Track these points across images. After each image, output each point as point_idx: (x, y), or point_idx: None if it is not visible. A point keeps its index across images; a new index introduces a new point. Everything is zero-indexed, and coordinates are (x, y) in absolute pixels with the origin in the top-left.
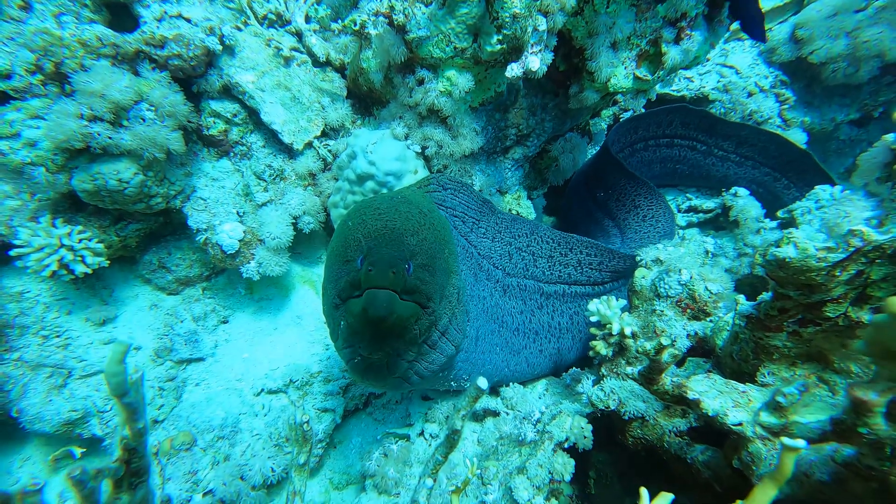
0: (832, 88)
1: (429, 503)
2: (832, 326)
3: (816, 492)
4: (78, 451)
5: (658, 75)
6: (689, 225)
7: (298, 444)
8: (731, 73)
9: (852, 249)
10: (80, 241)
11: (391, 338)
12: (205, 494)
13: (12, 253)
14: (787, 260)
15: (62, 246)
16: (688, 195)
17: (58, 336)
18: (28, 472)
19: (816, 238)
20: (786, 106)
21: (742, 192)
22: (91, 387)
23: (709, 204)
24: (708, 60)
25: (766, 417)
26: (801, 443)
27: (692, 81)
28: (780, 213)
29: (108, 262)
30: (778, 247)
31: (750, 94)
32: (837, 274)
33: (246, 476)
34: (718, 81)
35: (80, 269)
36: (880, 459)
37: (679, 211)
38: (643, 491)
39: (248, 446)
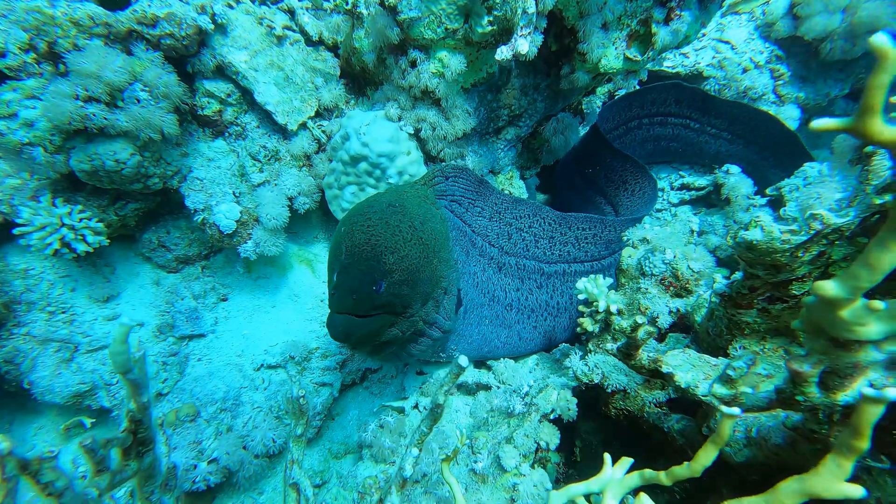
0: (829, 63)
1: (414, 470)
2: (798, 303)
3: (773, 454)
4: (88, 421)
5: (648, 55)
6: (682, 202)
7: (296, 416)
8: (726, 49)
9: (813, 232)
10: (81, 220)
11: (366, 341)
12: (210, 462)
13: (15, 231)
14: (755, 242)
15: (63, 225)
16: (681, 172)
17: (63, 312)
18: (42, 439)
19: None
20: (780, 82)
21: (734, 169)
22: (97, 361)
23: (701, 181)
24: (705, 35)
25: (718, 389)
26: (735, 410)
27: (687, 57)
28: (769, 191)
29: (109, 240)
30: (746, 230)
31: (745, 70)
32: (801, 255)
33: (248, 446)
34: (713, 57)
35: (82, 247)
36: (819, 423)
37: (672, 188)
38: (606, 456)
39: (250, 418)
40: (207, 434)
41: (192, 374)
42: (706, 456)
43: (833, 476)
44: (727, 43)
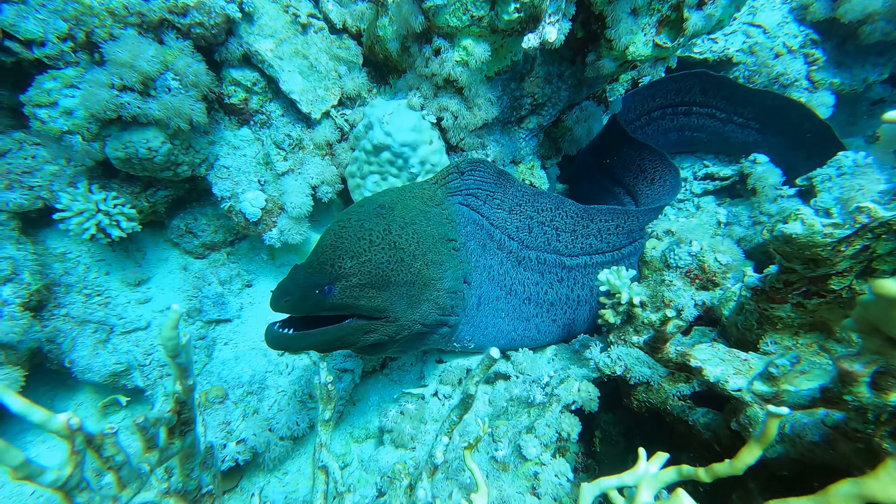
0: (867, 47)
1: (444, 457)
2: (836, 298)
3: (808, 451)
4: (123, 399)
5: (678, 42)
6: (705, 192)
7: (324, 401)
8: (758, 33)
9: (858, 226)
10: (115, 206)
11: (325, 349)
12: (238, 442)
13: (56, 217)
14: (794, 236)
15: (99, 211)
16: (705, 162)
17: (98, 294)
18: (81, 415)
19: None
20: (814, 67)
21: (762, 158)
22: (131, 342)
23: (726, 171)
24: (735, 19)
25: (759, 386)
26: (784, 410)
27: (716, 42)
28: (799, 181)
29: (140, 226)
30: (785, 223)
31: (777, 55)
32: (843, 249)
33: (274, 428)
34: (744, 42)
35: (116, 232)
36: (865, 423)
37: (695, 178)
38: (641, 451)
39: (275, 402)
40: (235, 416)
41: (219, 358)
42: (750, 455)
43: (893, 481)
44: (759, 27)
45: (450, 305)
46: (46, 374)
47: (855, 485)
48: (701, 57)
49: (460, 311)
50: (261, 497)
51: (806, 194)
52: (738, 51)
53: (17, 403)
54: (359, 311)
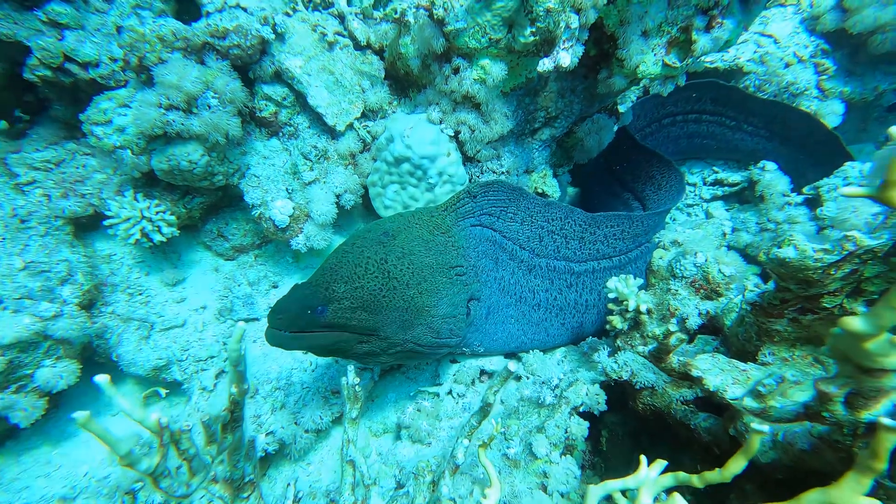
0: (878, 57)
1: (464, 457)
2: (829, 315)
3: (798, 458)
4: (163, 391)
5: (687, 62)
6: (714, 198)
7: (351, 401)
8: (769, 43)
9: (846, 252)
10: (157, 213)
11: (318, 353)
12: (267, 434)
13: (105, 223)
14: (787, 260)
15: (143, 217)
16: (714, 168)
17: (140, 294)
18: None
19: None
20: (825, 76)
21: (770, 165)
22: (169, 339)
23: (735, 177)
24: (747, 30)
25: (748, 402)
26: (765, 427)
27: (727, 52)
28: (806, 189)
29: (178, 231)
30: (779, 248)
31: (787, 65)
32: (833, 272)
33: (299, 421)
34: (755, 52)
35: (158, 237)
36: (843, 436)
37: (704, 184)
38: (642, 458)
39: (300, 397)
40: (265, 409)
41: (248, 355)
42: (736, 465)
43: (852, 490)
44: (770, 37)
45: (446, 329)
46: (95, 366)
47: (822, 493)
48: (712, 66)
49: (461, 332)
50: (295, 487)
51: (813, 203)
52: (748, 60)
53: (124, 404)
54: (350, 330)
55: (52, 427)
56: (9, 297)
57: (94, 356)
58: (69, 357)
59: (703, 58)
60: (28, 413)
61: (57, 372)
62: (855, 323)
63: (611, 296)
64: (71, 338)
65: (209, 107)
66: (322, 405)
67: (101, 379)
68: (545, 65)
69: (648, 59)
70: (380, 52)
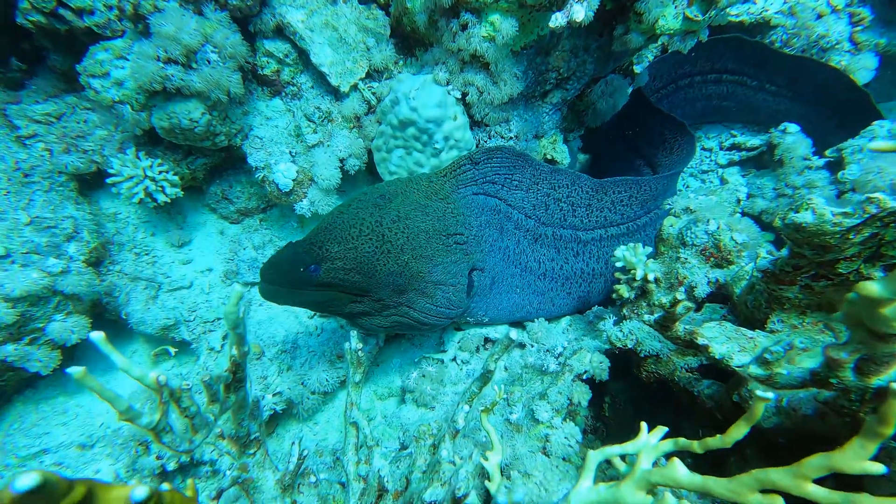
0: None
1: (465, 421)
2: (843, 281)
3: (801, 423)
4: (172, 350)
5: (710, 15)
6: (731, 163)
7: (354, 365)
8: None
9: (868, 215)
10: (160, 173)
11: (312, 309)
12: (274, 395)
13: (108, 181)
14: (804, 225)
15: (146, 177)
16: (732, 132)
17: (147, 254)
18: (136, 361)
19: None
20: (859, 27)
21: (792, 127)
22: (177, 300)
23: (753, 141)
24: None
25: (754, 370)
26: (770, 395)
27: (754, 3)
28: (828, 152)
29: (182, 192)
30: (796, 212)
31: (819, 16)
32: (852, 237)
33: (306, 383)
34: (784, 2)
35: (162, 197)
36: (850, 401)
37: (721, 148)
38: (643, 424)
39: (306, 360)
40: (271, 371)
41: (255, 318)
42: (738, 431)
43: (857, 456)
44: None
45: (442, 297)
46: (105, 323)
47: (825, 458)
48: (737, 20)
49: (461, 303)
50: (300, 445)
51: (834, 166)
52: (777, 12)
53: (121, 361)
54: (343, 290)
55: (68, 380)
56: (17, 251)
57: (104, 313)
58: (79, 312)
59: (727, 9)
60: (45, 363)
61: (68, 326)
62: (873, 288)
63: (618, 265)
64: (80, 293)
65: (209, 62)
66: (328, 368)
67: (97, 336)
68: (558, 20)
69: (669, 12)
70: (385, 7)
